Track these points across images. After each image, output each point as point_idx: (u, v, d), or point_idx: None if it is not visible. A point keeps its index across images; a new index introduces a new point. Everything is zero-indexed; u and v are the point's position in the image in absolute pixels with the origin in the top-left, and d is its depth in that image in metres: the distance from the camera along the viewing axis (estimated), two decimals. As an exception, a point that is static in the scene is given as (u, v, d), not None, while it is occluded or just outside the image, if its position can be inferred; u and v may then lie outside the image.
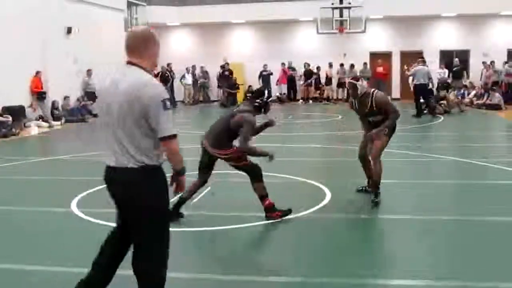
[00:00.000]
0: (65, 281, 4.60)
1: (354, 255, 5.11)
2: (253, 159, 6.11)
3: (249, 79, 25.12)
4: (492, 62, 22.51)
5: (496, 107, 19.27)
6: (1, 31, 16.00)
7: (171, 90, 24.39)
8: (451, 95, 20.44)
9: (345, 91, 24.83)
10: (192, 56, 25.29)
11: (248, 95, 24.02)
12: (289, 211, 6.13)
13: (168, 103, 3.30)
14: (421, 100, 18.63)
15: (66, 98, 18.79)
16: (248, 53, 25.75)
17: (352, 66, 24.20)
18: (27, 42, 16.86)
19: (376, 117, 6.78)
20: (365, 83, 6.93)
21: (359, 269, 4.65)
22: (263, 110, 6.23)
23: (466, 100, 20.55)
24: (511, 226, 5.89)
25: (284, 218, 6.06)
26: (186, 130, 13.71)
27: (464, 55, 24.23)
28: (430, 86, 20.85)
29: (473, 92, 21.17)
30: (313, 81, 24.99)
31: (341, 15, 23.46)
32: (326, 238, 5.71)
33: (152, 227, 3.42)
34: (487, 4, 22.06)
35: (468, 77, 22.97)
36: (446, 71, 22.91)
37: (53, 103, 18.10)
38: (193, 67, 25.26)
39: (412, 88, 18.01)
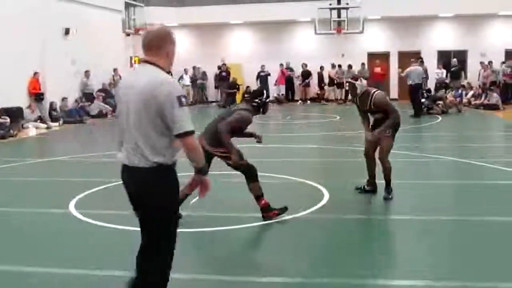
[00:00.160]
0: (64, 282, 4.60)
1: (353, 255, 5.11)
2: (250, 160, 6.10)
3: (247, 80, 25.11)
4: (490, 62, 22.53)
5: (494, 107, 19.30)
6: (-1, 32, 16.01)
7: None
8: (449, 95, 20.47)
9: (343, 91, 24.93)
10: (190, 57, 25.25)
11: (246, 95, 24.01)
12: (285, 209, 6.12)
13: (183, 100, 3.28)
14: (422, 100, 18.68)
15: (64, 99, 18.75)
16: (246, 53, 25.74)
17: (350, 66, 24.23)
18: (25, 43, 16.82)
19: (378, 115, 6.88)
20: (364, 82, 6.97)
21: (358, 270, 4.65)
22: (261, 110, 6.23)
23: (464, 100, 20.58)
24: (510, 226, 5.89)
25: (282, 217, 6.05)
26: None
27: (461, 55, 24.25)
28: (426, 85, 21.03)
29: (471, 92, 21.20)
30: (310, 81, 25.03)
31: (339, 16, 23.48)
32: (325, 239, 5.70)
33: (161, 227, 3.43)
34: (484, 4, 22.08)
35: (466, 77, 23.00)
36: (444, 71, 22.93)
37: (51, 104, 18.07)
38: (194, 68, 25.15)
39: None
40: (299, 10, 23.83)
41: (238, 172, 6.16)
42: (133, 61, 24.23)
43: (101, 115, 19.70)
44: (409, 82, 17.75)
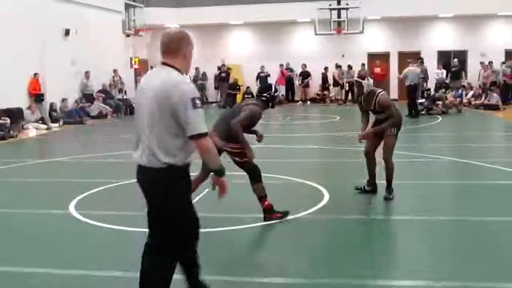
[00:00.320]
0: (64, 283, 4.60)
1: (353, 255, 5.11)
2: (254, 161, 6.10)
3: (247, 80, 25.13)
4: (491, 63, 22.54)
5: (494, 108, 19.30)
6: (-1, 33, 16.02)
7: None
8: (449, 96, 20.48)
9: (343, 92, 24.96)
10: (190, 58, 25.26)
11: (246, 96, 24.12)
12: (287, 213, 6.14)
13: (198, 101, 3.30)
14: (420, 100, 18.71)
15: (64, 100, 18.76)
16: (246, 54, 25.75)
17: (350, 67, 24.24)
18: (25, 44, 16.84)
19: (381, 115, 6.92)
20: (371, 81, 6.93)
21: (359, 270, 4.65)
22: (270, 104, 6.26)
23: (464, 100, 20.59)
24: (510, 226, 5.89)
25: (282, 219, 6.06)
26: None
27: (461, 56, 24.27)
28: (426, 85, 21.11)
29: (471, 93, 21.21)
30: (309, 82, 25.05)
31: (338, 16, 23.51)
32: (325, 239, 5.70)
33: (169, 227, 3.47)
34: (484, 5, 22.11)
35: (466, 77, 23.02)
36: (444, 71, 22.95)
37: (51, 105, 18.08)
38: (197, 69, 25.06)
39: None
40: (299, 11, 23.85)
41: (239, 173, 6.15)
42: (133, 62, 24.25)
43: (101, 116, 19.71)
44: (408, 82, 17.86)
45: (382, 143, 6.98)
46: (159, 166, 3.34)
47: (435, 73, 22.78)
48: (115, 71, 21.94)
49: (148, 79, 3.51)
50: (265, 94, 6.23)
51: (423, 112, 18.28)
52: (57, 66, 18.50)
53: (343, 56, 25.01)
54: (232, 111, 6.21)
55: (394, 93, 24.61)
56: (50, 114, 17.85)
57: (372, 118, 7.17)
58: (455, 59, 23.16)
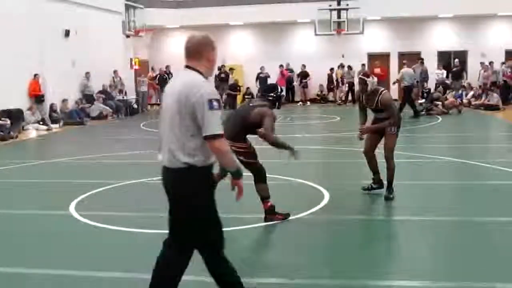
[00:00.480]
0: (64, 283, 4.60)
1: (354, 255, 5.11)
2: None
3: (247, 81, 25.13)
4: (491, 63, 22.55)
5: (494, 108, 19.29)
6: (-1, 34, 16.04)
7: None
8: (449, 96, 20.49)
9: (341, 92, 24.97)
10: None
11: (246, 97, 24.11)
12: (288, 215, 6.14)
13: (215, 103, 3.34)
14: (420, 101, 18.75)
15: (64, 100, 18.77)
16: (246, 55, 25.76)
17: (350, 67, 24.24)
18: (25, 45, 16.85)
19: (381, 114, 6.92)
20: (375, 79, 6.93)
21: (359, 270, 4.66)
22: (277, 104, 6.26)
23: (464, 100, 20.59)
24: (510, 226, 5.90)
25: (283, 221, 6.06)
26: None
27: (461, 56, 24.29)
28: (426, 86, 21.19)
29: (471, 93, 21.21)
30: (308, 82, 25.06)
31: (338, 17, 23.51)
32: (325, 239, 5.71)
33: (187, 228, 3.53)
34: (484, 5, 22.12)
35: (466, 77, 23.03)
36: (444, 71, 22.96)
37: (51, 106, 18.09)
38: None
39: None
40: (299, 11, 23.86)
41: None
42: (133, 63, 24.26)
43: (101, 116, 19.72)
44: (404, 83, 18.02)
45: (383, 143, 6.99)
46: (178, 167, 3.40)
47: (435, 73, 22.79)
48: (115, 72, 21.94)
49: (172, 84, 3.61)
50: (272, 94, 6.22)
51: (423, 113, 18.29)
52: (57, 67, 18.50)
53: (343, 56, 25.02)
54: (242, 115, 6.12)
55: (394, 93, 24.57)
56: (50, 115, 17.86)
57: (370, 116, 7.17)
58: (456, 59, 23.17)
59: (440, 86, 20.94)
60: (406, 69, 18.55)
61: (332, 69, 24.87)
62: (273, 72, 24.75)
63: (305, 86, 25.12)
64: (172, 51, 26.14)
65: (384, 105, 6.82)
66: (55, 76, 18.37)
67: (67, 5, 19.17)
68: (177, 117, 3.38)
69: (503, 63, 22.91)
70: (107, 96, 20.87)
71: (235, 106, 21.13)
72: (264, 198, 6.04)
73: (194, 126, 3.35)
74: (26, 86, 17.42)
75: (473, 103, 20.49)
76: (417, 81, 21.96)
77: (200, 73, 3.50)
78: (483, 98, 20.23)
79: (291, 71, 25.31)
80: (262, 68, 24.76)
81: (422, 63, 22.20)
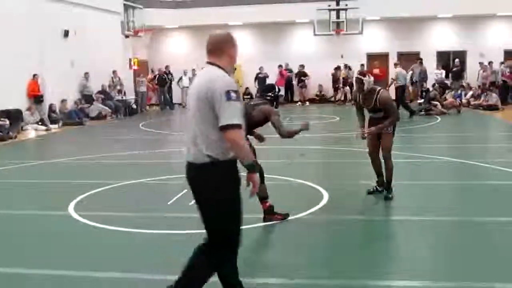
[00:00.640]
0: (62, 284, 4.60)
1: (353, 256, 5.11)
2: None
3: (246, 81, 25.13)
4: (491, 63, 22.57)
5: (493, 108, 19.31)
6: (-2, 34, 16.02)
7: (169, 93, 24.40)
8: (448, 96, 20.51)
9: (342, 93, 24.95)
10: (190, 58, 25.26)
11: (246, 97, 24.05)
12: (287, 215, 6.15)
13: (233, 94, 3.38)
14: (419, 101, 18.81)
15: (63, 101, 18.75)
16: (245, 55, 25.66)
17: (349, 67, 24.24)
18: (24, 45, 16.84)
19: (377, 114, 6.90)
20: (372, 78, 6.90)
21: (358, 270, 4.66)
22: (275, 103, 6.29)
23: (463, 100, 20.60)
24: (510, 226, 5.90)
25: (282, 221, 6.06)
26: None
27: (461, 56, 24.29)
28: (425, 86, 21.28)
29: (470, 93, 21.22)
30: (307, 82, 25.06)
31: (337, 17, 23.53)
32: (325, 239, 5.71)
33: (213, 223, 3.58)
34: (483, 5, 22.14)
35: (466, 78, 23.05)
36: (443, 71, 22.97)
37: (50, 106, 18.07)
38: (193, 70, 25.03)
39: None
40: (298, 11, 23.86)
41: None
42: (132, 63, 24.26)
43: (100, 117, 19.71)
44: (398, 83, 18.32)
45: (381, 143, 6.98)
46: (202, 162, 3.44)
47: (434, 73, 22.81)
48: (114, 72, 21.94)
49: (195, 80, 3.69)
50: (270, 94, 6.27)
51: (422, 113, 18.30)
52: (56, 67, 18.49)
53: (342, 56, 25.02)
54: (243, 110, 6.16)
55: (392, 94, 24.63)
56: (49, 115, 17.84)
57: (366, 116, 7.15)
58: (457, 59, 23.19)
59: (436, 85, 20.96)
60: (399, 69, 18.83)
61: (337, 68, 24.74)
62: (272, 72, 24.75)
63: (303, 86, 25.12)
64: (171, 51, 26.19)
65: (383, 104, 6.79)
66: (54, 76, 18.37)
67: (67, 5, 19.16)
68: (199, 112, 3.45)
69: (502, 63, 22.93)
70: (106, 96, 20.87)
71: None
72: (263, 198, 6.04)
73: (215, 119, 3.40)
74: (25, 86, 17.42)
75: (472, 103, 20.50)
76: (416, 81, 22.05)
77: (221, 68, 3.57)
78: (482, 98, 20.24)
79: (290, 71, 25.31)
80: (261, 68, 24.76)
81: (421, 63, 22.22)
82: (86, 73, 20.27)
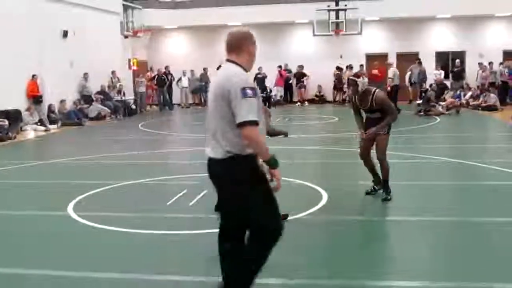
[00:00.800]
0: (61, 284, 4.60)
1: (352, 256, 5.11)
2: None
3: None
4: (490, 63, 22.58)
5: (492, 108, 19.32)
6: (-3, 34, 16.02)
7: (168, 93, 24.38)
8: (448, 96, 20.52)
9: (341, 93, 24.96)
10: (189, 59, 25.28)
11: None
12: (286, 216, 6.14)
13: (249, 91, 3.41)
14: (418, 101, 18.88)
15: (62, 101, 18.74)
16: (244, 55, 25.73)
17: (350, 67, 24.23)
18: (23, 46, 16.83)
19: (374, 114, 6.89)
20: (366, 80, 6.91)
21: (358, 271, 4.66)
22: (267, 104, 6.33)
23: (462, 101, 20.61)
24: (509, 226, 5.91)
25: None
26: (187, 133, 13.67)
27: (459, 56, 24.31)
28: (425, 86, 21.39)
29: (469, 93, 21.24)
30: (306, 83, 25.06)
31: (337, 17, 23.55)
32: (324, 240, 5.71)
33: (235, 218, 3.65)
34: (482, 5, 22.17)
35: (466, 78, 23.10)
36: (442, 72, 22.99)
37: (50, 106, 18.07)
38: (204, 69, 25.00)
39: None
40: (297, 12, 23.87)
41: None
42: (131, 63, 24.25)
43: (99, 117, 19.71)
44: (393, 83, 18.80)
45: (376, 143, 6.95)
46: (222, 157, 3.49)
47: (433, 74, 22.83)
48: (113, 72, 21.94)
49: (214, 79, 3.75)
50: (262, 94, 6.31)
51: (421, 113, 18.31)
52: (55, 67, 18.49)
53: (341, 57, 25.03)
54: None
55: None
56: (48, 116, 17.83)
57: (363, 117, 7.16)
58: (457, 60, 23.21)
59: (434, 85, 21.00)
60: (394, 69, 19.41)
61: (341, 69, 24.67)
62: (271, 73, 24.73)
63: (301, 86, 25.11)
64: (171, 51, 26.18)
65: (380, 104, 6.78)
66: (53, 76, 18.36)
67: (66, 5, 19.15)
68: (217, 106, 3.49)
69: (501, 63, 22.95)
70: (105, 96, 20.87)
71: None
72: None
73: (232, 116, 3.44)
74: (24, 87, 17.41)
75: (471, 103, 20.51)
76: (415, 82, 22.10)
77: (239, 65, 3.60)
78: (481, 99, 20.26)
79: (289, 71, 25.30)
80: (260, 68, 24.71)
81: (420, 63, 22.23)
82: (85, 74, 20.26)
